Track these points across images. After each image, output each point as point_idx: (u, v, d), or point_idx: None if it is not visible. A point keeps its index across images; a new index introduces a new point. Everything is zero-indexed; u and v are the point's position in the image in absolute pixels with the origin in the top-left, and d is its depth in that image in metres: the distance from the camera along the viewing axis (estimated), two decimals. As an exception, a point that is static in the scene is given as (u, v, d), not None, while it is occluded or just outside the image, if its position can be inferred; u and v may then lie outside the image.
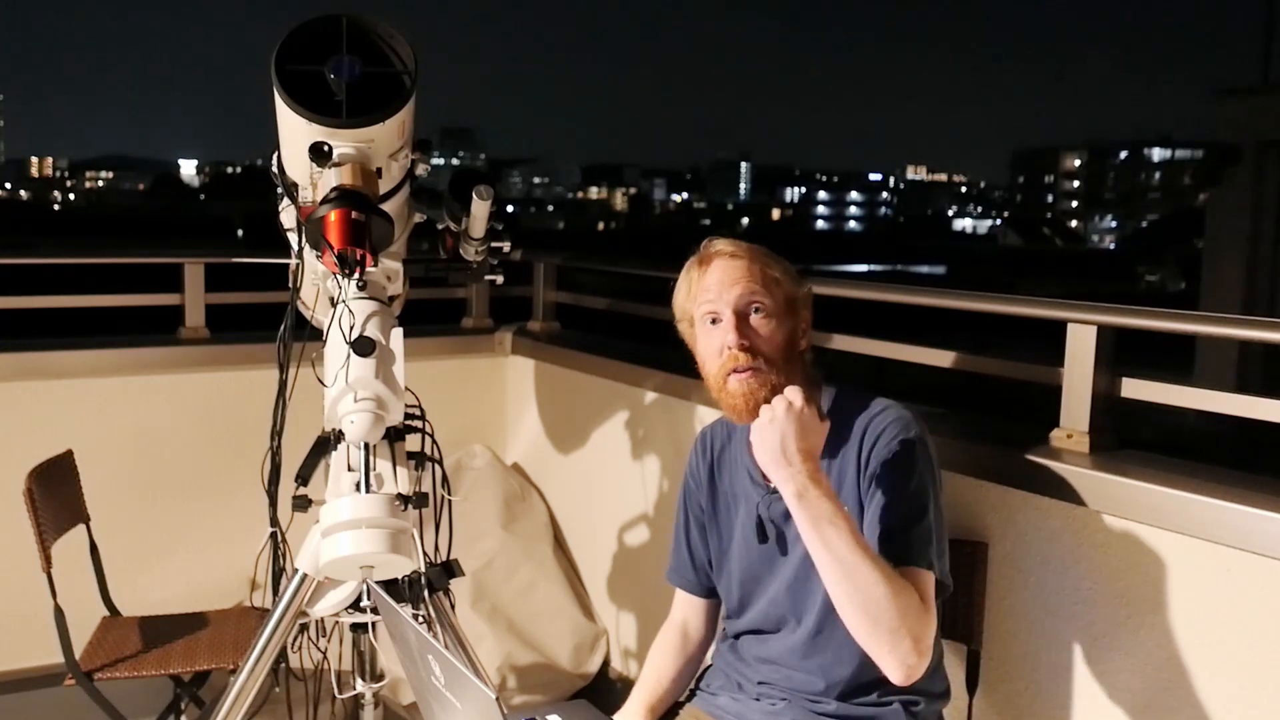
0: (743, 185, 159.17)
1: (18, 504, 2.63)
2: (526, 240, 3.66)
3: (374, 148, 2.12)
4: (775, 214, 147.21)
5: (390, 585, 2.22)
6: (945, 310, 2.62)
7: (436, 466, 2.46)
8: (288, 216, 2.34)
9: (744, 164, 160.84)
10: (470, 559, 3.10)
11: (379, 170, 2.16)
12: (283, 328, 2.32)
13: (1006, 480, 2.25)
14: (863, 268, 53.49)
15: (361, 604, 2.34)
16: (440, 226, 2.52)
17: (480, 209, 2.39)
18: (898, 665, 1.75)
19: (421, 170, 2.29)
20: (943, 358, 2.61)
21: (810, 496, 1.74)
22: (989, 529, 2.28)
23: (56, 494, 2.79)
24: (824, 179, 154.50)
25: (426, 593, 2.31)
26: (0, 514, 2.98)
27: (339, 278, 2.12)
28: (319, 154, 2.05)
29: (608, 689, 3.48)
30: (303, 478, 2.37)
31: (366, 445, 2.07)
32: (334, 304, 2.16)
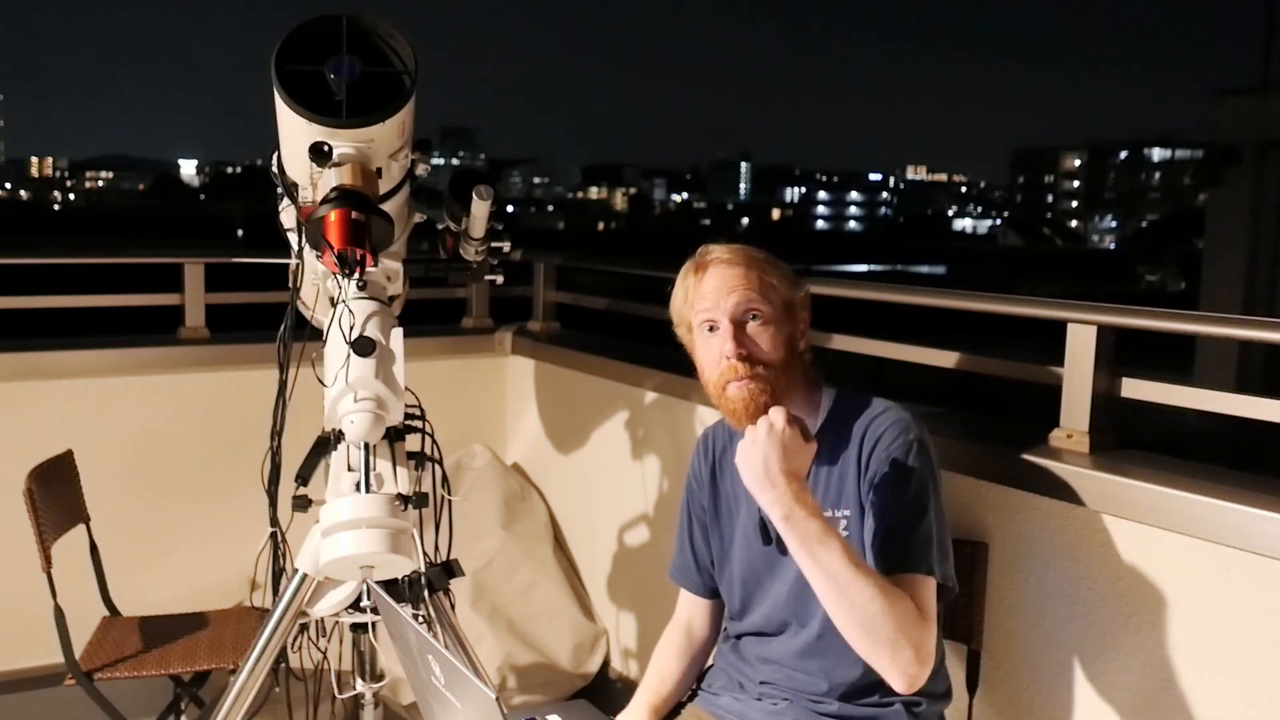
0: (743, 185, 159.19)
1: (18, 504, 2.63)
2: (526, 240, 3.66)
3: (374, 148, 2.12)
4: (775, 214, 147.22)
5: (390, 585, 2.22)
6: (945, 310, 2.62)
7: (436, 466, 2.46)
8: (288, 216, 2.34)
9: (744, 164, 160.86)
10: (470, 559, 3.10)
11: (379, 170, 2.16)
12: (283, 328, 2.32)
13: (1006, 480, 2.25)
14: (863, 268, 53.49)
15: (361, 604, 2.34)
16: (440, 226, 2.51)
17: (480, 209, 2.39)
18: (899, 676, 1.75)
19: (421, 170, 2.29)
20: (943, 358, 2.61)
21: (797, 518, 1.74)
22: (989, 529, 2.28)
23: (56, 494, 2.79)
24: (824, 179, 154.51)
25: (426, 593, 2.31)
26: (0, 514, 2.98)
27: (339, 278, 2.12)
28: (319, 154, 2.05)
29: (608, 689, 3.48)
30: (303, 478, 2.37)
31: (366, 445, 2.07)
32: (334, 304, 2.16)
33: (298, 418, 2.35)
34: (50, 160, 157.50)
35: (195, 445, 3.52)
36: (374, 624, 2.40)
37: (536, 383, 3.85)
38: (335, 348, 2.08)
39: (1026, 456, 2.22)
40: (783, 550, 1.96)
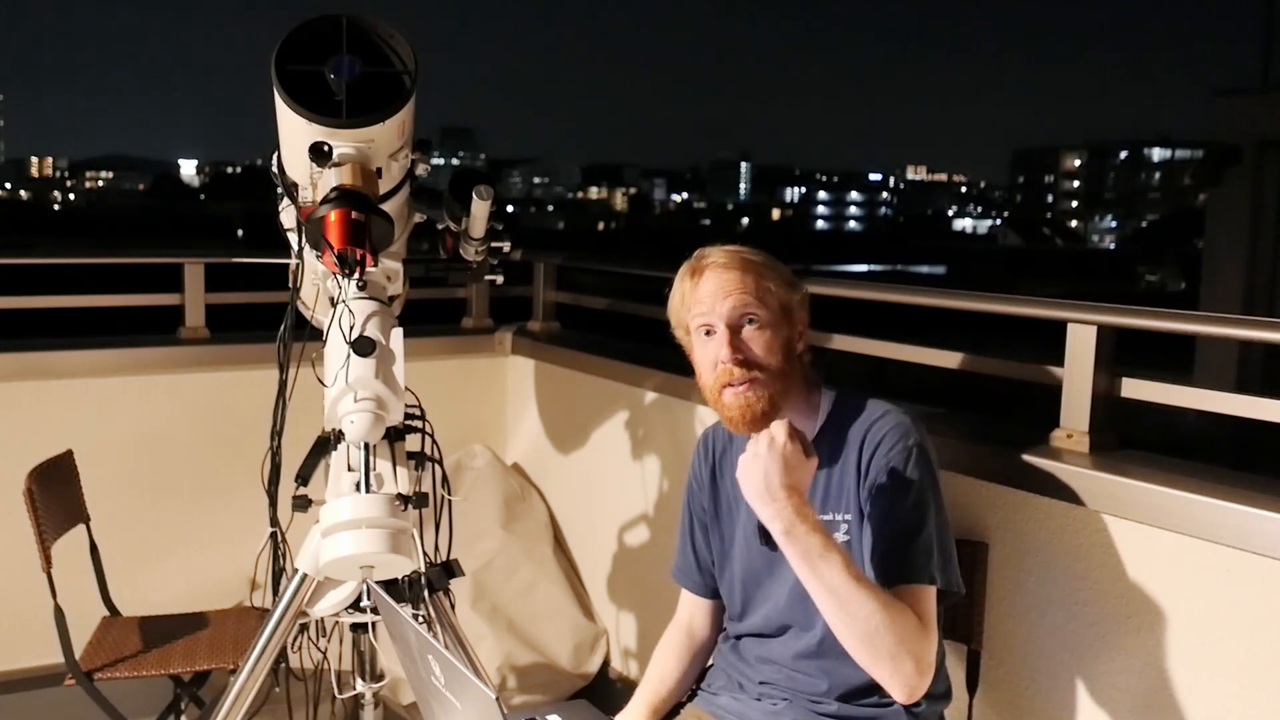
0: (743, 185, 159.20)
1: (18, 504, 2.63)
2: (526, 240, 3.66)
3: (374, 148, 2.12)
4: (775, 214, 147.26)
5: (390, 585, 2.22)
6: (945, 310, 2.62)
7: (436, 466, 2.46)
8: (288, 216, 2.34)
9: (744, 164, 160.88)
10: (470, 559, 3.10)
11: (379, 170, 2.16)
12: (283, 328, 2.32)
13: (1006, 480, 2.25)
14: (863, 268, 53.49)
15: (361, 604, 2.34)
16: (440, 226, 2.51)
17: (480, 209, 2.39)
18: (901, 687, 1.75)
19: (421, 170, 2.29)
20: (943, 358, 2.61)
21: (798, 533, 1.73)
22: (989, 529, 2.28)
23: (56, 494, 2.79)
24: (824, 179, 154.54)
25: (426, 593, 2.31)
26: (0, 514, 2.98)
27: (339, 278, 2.12)
28: (319, 154, 2.05)
29: (608, 689, 3.48)
30: (303, 478, 2.37)
31: (366, 445, 2.07)
32: (334, 304, 2.16)
33: (298, 418, 2.35)
34: (50, 160, 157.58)
35: (195, 445, 3.52)
36: (374, 624, 2.40)
37: (536, 383, 3.85)
38: (335, 348, 2.08)
39: (1027, 456, 2.22)
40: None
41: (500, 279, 2.63)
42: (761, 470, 1.75)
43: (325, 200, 2.06)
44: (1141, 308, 2.23)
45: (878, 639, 1.72)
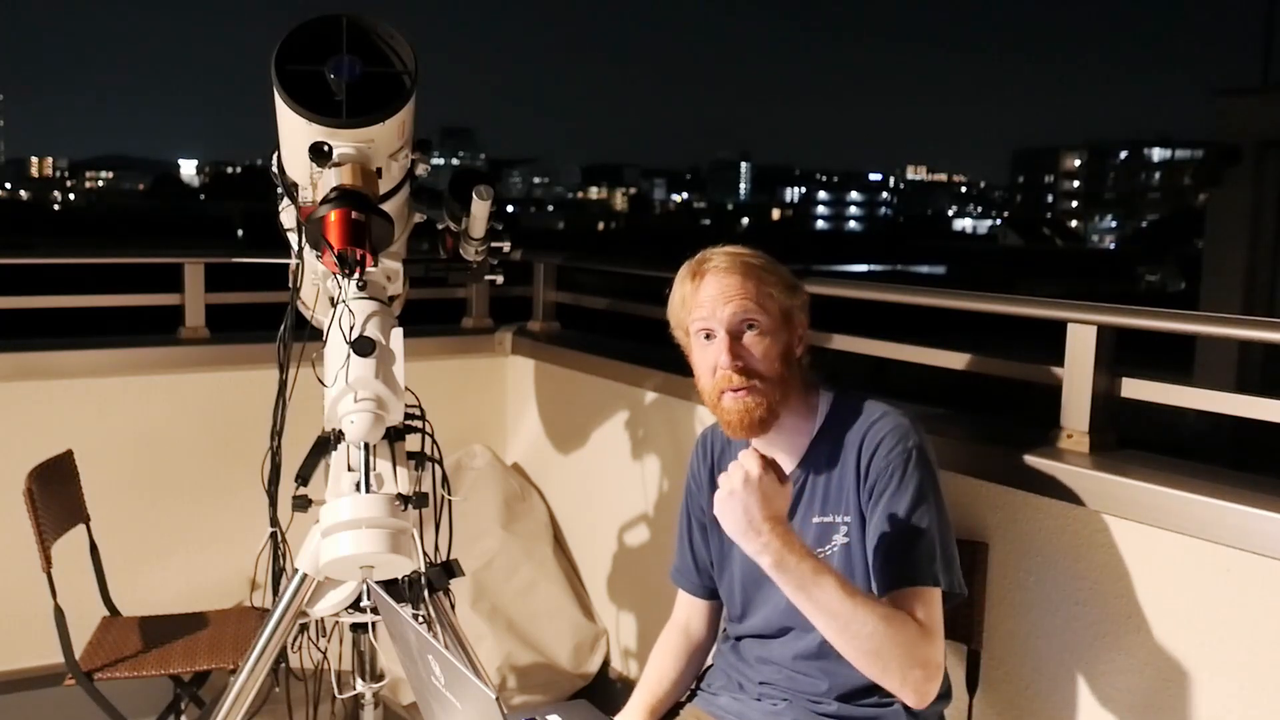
0: (743, 185, 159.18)
1: (18, 504, 2.63)
2: (526, 240, 3.66)
3: (374, 148, 2.12)
4: (775, 214, 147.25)
5: (390, 585, 2.22)
6: (945, 310, 2.62)
7: (436, 466, 2.46)
8: (288, 216, 2.34)
9: (744, 164, 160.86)
10: (470, 559, 3.10)
11: (379, 170, 2.16)
12: (283, 328, 2.32)
13: (1006, 480, 2.25)
14: (863, 268, 53.50)
15: (361, 604, 2.34)
16: (440, 226, 2.52)
17: (480, 209, 2.39)
18: (913, 694, 1.76)
19: (421, 170, 2.29)
20: (943, 358, 2.61)
21: (789, 564, 1.72)
22: (989, 529, 2.28)
23: (56, 494, 2.79)
24: (824, 179, 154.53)
25: (426, 593, 2.31)
26: (0, 514, 2.98)
27: (339, 278, 2.12)
28: (319, 154, 2.05)
29: (608, 689, 3.48)
30: (303, 478, 2.37)
31: (366, 445, 2.07)
32: (334, 304, 2.16)
33: (298, 418, 2.35)
34: (50, 160, 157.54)
35: (195, 445, 3.52)
36: (374, 624, 2.40)
37: (536, 383, 3.85)
38: (335, 348, 2.08)
39: (1027, 457, 2.22)
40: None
41: (500, 279, 2.63)
42: (740, 506, 1.73)
43: (325, 200, 2.06)
44: (1141, 308, 2.23)
45: (884, 653, 1.73)
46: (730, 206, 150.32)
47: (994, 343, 2.69)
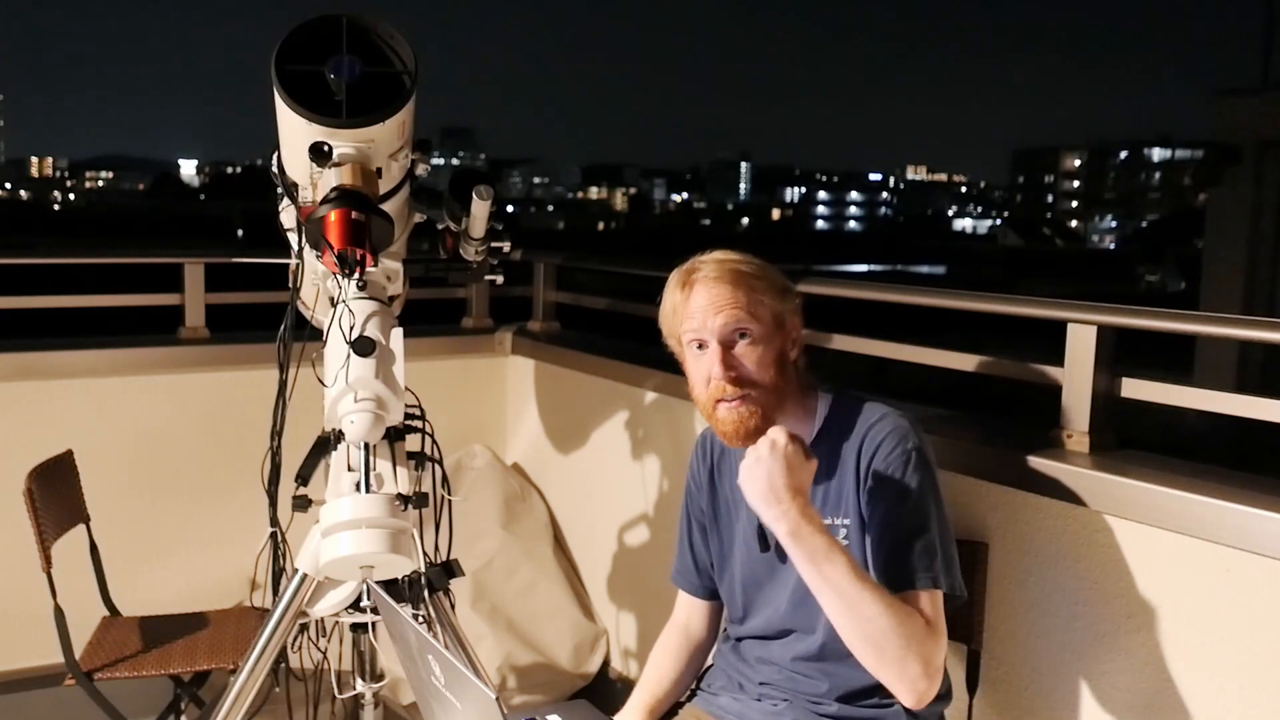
0: (743, 185, 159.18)
1: (18, 504, 2.63)
2: (526, 240, 3.66)
3: (374, 148, 2.12)
4: (775, 214, 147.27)
5: (390, 585, 2.22)
6: (945, 310, 2.62)
7: (436, 466, 2.46)
8: (288, 216, 2.34)
9: (744, 164, 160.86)
10: (470, 559, 3.10)
11: (379, 170, 2.16)
12: (283, 328, 2.32)
13: (1006, 480, 2.25)
14: (863, 268, 53.50)
15: (361, 604, 2.34)
16: (440, 226, 2.51)
17: (480, 209, 2.39)
18: (908, 691, 1.75)
19: (421, 170, 2.29)
20: (943, 358, 2.61)
21: (804, 534, 1.73)
22: (989, 529, 2.28)
23: (56, 494, 2.79)
24: (824, 179, 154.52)
25: (426, 593, 2.31)
26: (0, 514, 2.98)
27: (339, 278, 2.12)
28: (319, 154, 2.05)
29: (608, 689, 3.48)
30: (303, 478, 2.37)
31: (366, 445, 2.07)
32: (334, 304, 2.16)
33: (298, 418, 2.35)
34: (50, 160, 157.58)
35: (195, 445, 3.52)
36: (374, 624, 2.40)
37: (536, 383, 3.85)
38: (335, 348, 2.08)
39: (1027, 457, 2.22)
40: (782, 557, 1.95)
41: (500, 279, 2.63)
42: (765, 473, 1.75)
43: (325, 200, 2.06)
44: (1141, 308, 2.23)
45: (884, 641, 1.72)
46: (730, 206, 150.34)
47: (994, 343, 2.69)
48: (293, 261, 2.30)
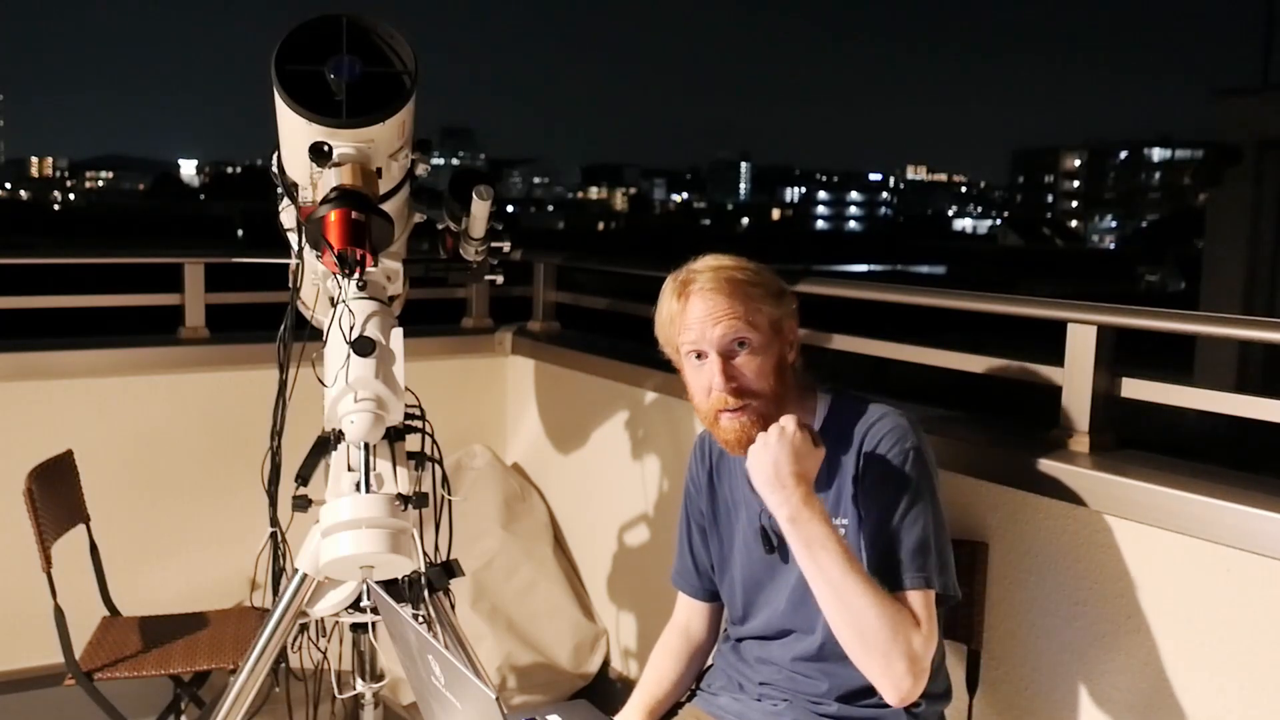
0: (743, 185, 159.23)
1: (18, 504, 2.63)
2: (526, 240, 3.66)
3: (374, 148, 2.12)
4: (775, 214, 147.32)
5: (390, 585, 2.22)
6: (945, 310, 2.61)
7: (436, 466, 2.46)
8: (288, 216, 2.34)
9: (744, 164, 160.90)
10: (470, 559, 3.10)
11: (379, 170, 2.16)
12: (283, 328, 2.32)
13: (1006, 480, 2.25)
14: (862, 268, 53.51)
15: (361, 604, 2.34)
16: (440, 226, 2.51)
17: (480, 209, 2.39)
18: (891, 688, 1.75)
19: (421, 170, 2.29)
20: (943, 358, 2.61)
21: (803, 520, 1.74)
22: (989, 529, 2.28)
23: (56, 494, 2.79)
24: (824, 179, 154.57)
25: (426, 593, 2.31)
26: (0, 514, 2.98)
27: (339, 278, 2.12)
28: (319, 154, 2.05)
29: (608, 689, 3.48)
30: (303, 478, 2.37)
31: (366, 445, 2.07)
32: (334, 304, 2.16)
33: (298, 418, 2.35)
34: (50, 160, 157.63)
35: (195, 445, 3.52)
36: (374, 624, 2.40)
37: (536, 383, 3.85)
38: (335, 348, 2.08)
39: (1027, 457, 2.22)
40: (784, 558, 1.95)
41: (500, 279, 2.63)
42: (771, 459, 1.77)
43: (325, 200, 2.06)
44: (1141, 308, 2.23)
45: (871, 634, 1.72)
46: (730, 206, 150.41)
47: (994, 343, 2.69)
48: (293, 261, 2.30)
